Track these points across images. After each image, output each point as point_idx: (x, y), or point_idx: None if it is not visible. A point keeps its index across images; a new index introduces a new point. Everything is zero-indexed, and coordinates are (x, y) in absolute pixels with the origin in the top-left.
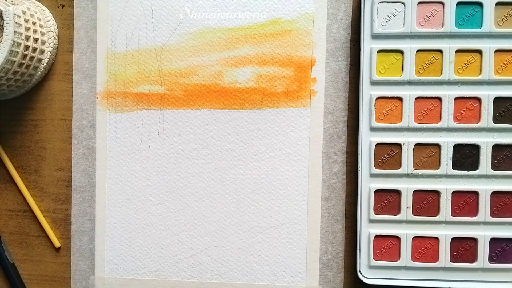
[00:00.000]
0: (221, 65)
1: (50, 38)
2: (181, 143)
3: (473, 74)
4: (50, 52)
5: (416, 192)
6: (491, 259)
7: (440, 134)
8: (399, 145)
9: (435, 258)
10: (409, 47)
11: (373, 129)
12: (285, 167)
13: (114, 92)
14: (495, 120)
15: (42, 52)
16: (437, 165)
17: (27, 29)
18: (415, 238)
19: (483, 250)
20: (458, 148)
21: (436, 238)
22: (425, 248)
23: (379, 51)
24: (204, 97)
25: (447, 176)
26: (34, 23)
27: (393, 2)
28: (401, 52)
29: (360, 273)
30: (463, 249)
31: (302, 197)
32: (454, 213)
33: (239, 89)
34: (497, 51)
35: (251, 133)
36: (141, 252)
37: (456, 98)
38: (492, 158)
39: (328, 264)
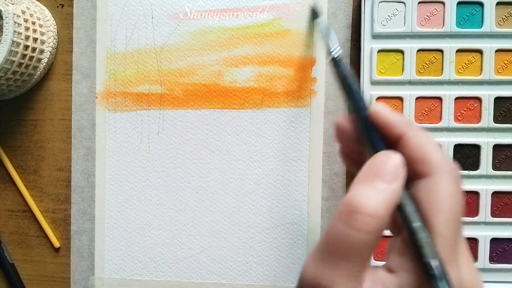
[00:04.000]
0: (221, 65)
1: (50, 38)
2: (181, 143)
3: (474, 74)
4: (50, 52)
5: None
6: (492, 259)
7: (440, 134)
8: None
9: None
10: (410, 46)
11: None
12: (285, 167)
13: (113, 92)
14: (496, 120)
15: (42, 51)
16: None
17: (27, 28)
18: None
19: (483, 250)
20: (458, 148)
21: None
22: None
23: (379, 51)
24: (204, 97)
25: None
26: (33, 23)
27: (393, 2)
28: (401, 52)
29: None
30: None
31: (302, 197)
32: None
33: (239, 89)
34: (498, 51)
35: (251, 133)
36: (141, 252)
37: (456, 98)
38: (492, 158)
39: None
